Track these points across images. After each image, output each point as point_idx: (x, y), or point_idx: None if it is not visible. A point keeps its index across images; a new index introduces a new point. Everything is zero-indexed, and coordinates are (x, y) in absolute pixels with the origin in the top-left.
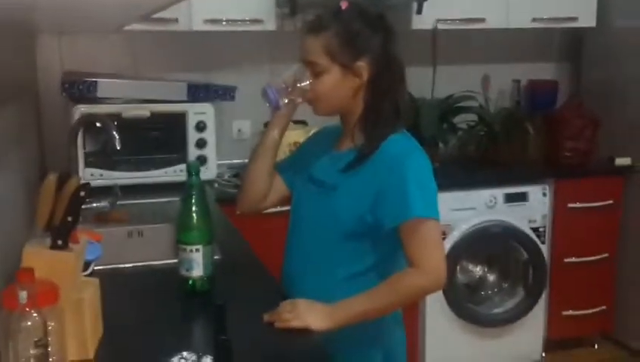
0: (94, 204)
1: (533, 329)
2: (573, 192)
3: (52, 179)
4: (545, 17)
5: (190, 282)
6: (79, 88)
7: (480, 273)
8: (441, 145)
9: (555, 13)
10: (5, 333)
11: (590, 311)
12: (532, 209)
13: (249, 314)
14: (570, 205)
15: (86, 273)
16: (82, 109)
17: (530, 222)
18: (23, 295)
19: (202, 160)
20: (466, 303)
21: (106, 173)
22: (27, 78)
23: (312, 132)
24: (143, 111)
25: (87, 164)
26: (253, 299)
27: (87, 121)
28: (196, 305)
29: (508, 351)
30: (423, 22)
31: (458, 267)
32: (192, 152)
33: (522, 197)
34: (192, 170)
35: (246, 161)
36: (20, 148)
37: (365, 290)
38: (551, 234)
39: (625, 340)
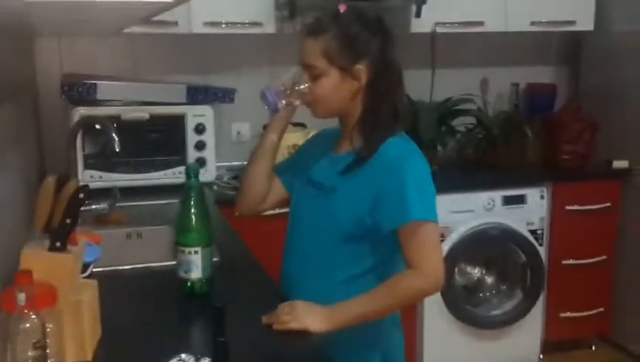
0: (93, 206)
1: (531, 331)
2: (571, 195)
3: (51, 180)
4: (543, 21)
5: (189, 284)
6: (79, 90)
7: (478, 275)
8: (439, 148)
9: (553, 16)
10: (3, 335)
11: (588, 313)
12: (530, 211)
13: (248, 316)
14: (568, 208)
15: (85, 275)
16: (82, 111)
17: (528, 224)
18: (22, 297)
19: (201, 162)
20: (464, 305)
21: (105, 175)
22: (26, 80)
23: (310, 134)
24: (143, 113)
25: (87, 166)
26: (252, 301)
27: (87, 123)
28: (195, 307)
29: (506, 352)
30: (421, 25)
31: (456, 269)
32: (191, 154)
33: (520, 200)
34: (191, 172)
35: (245, 163)
36: (18, 149)
37: (364, 293)
38: (549, 236)
39: (622, 342)
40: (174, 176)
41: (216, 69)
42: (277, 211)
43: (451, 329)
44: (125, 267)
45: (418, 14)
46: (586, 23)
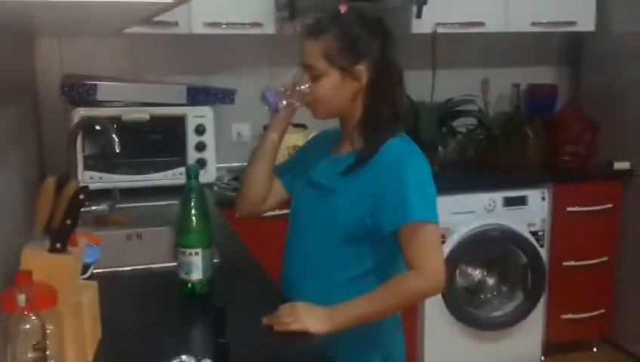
0: (93, 207)
1: (532, 332)
2: (573, 196)
3: (51, 181)
4: (544, 21)
5: (189, 285)
6: (79, 91)
7: (479, 276)
8: (440, 148)
9: (554, 17)
10: (4, 336)
11: (589, 314)
12: (531, 213)
13: (248, 318)
14: (569, 209)
15: (85, 276)
16: (82, 112)
17: (529, 225)
18: (22, 298)
19: (202, 163)
20: (465, 306)
21: (105, 176)
22: (26, 80)
23: (311, 135)
24: (143, 114)
25: (87, 167)
26: (253, 302)
27: (87, 124)
28: (195, 308)
29: (507, 354)
30: (422, 26)
31: (457, 270)
32: (192, 155)
33: (521, 201)
34: (192, 173)
35: (245, 164)
36: (19, 150)
37: (364, 293)
38: (550, 237)
39: (624, 344)
40: (174, 177)
41: (217, 70)
42: (277, 212)
43: (452, 331)
44: (125, 268)
45: (419, 15)
46: (586, 23)
